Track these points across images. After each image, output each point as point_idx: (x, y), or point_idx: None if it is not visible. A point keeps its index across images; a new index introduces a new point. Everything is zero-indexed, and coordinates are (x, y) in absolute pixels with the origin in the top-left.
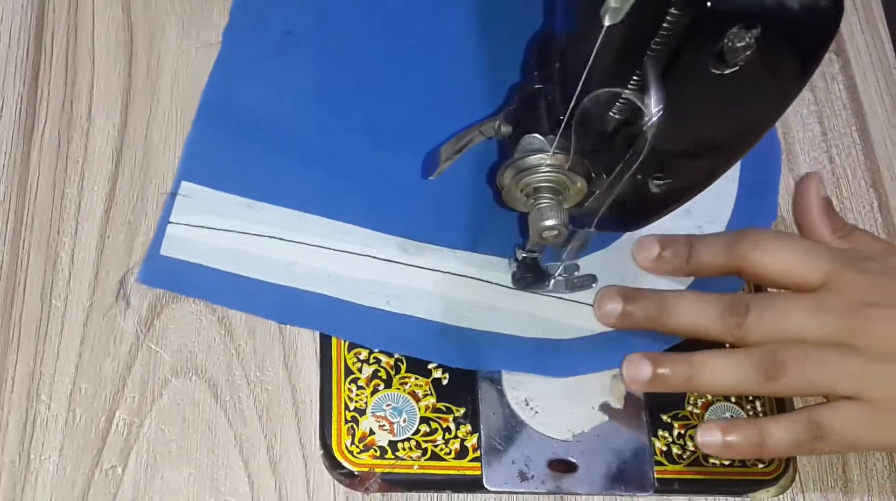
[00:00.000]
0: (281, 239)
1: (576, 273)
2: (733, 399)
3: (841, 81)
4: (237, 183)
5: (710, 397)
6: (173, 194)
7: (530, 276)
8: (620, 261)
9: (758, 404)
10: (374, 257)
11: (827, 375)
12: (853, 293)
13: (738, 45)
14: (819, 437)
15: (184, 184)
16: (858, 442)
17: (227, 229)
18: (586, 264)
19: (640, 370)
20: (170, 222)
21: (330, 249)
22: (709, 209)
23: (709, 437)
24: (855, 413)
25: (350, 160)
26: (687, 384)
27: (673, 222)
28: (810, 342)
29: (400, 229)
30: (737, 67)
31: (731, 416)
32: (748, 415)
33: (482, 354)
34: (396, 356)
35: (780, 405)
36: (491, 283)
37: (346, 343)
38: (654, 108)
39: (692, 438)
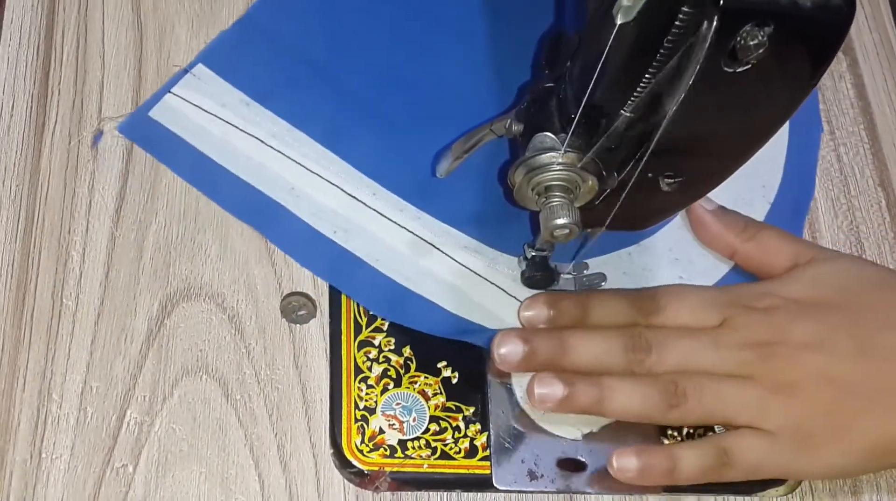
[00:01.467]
0: (263, 142)
1: (585, 272)
2: None
3: (849, 80)
4: (248, 81)
5: None
6: (185, 71)
7: (539, 275)
8: (637, 263)
9: None
10: (340, 189)
11: (725, 405)
12: (746, 331)
13: (751, 43)
14: (726, 463)
15: (199, 66)
16: (761, 469)
17: (219, 117)
18: (600, 265)
19: (552, 389)
20: (170, 92)
21: (302, 166)
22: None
23: (624, 462)
24: (756, 441)
25: (365, 112)
26: (597, 407)
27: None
28: (708, 375)
29: (395, 186)
30: (749, 66)
31: None
32: None
33: (407, 308)
34: (406, 354)
35: None
36: (474, 273)
37: (357, 342)
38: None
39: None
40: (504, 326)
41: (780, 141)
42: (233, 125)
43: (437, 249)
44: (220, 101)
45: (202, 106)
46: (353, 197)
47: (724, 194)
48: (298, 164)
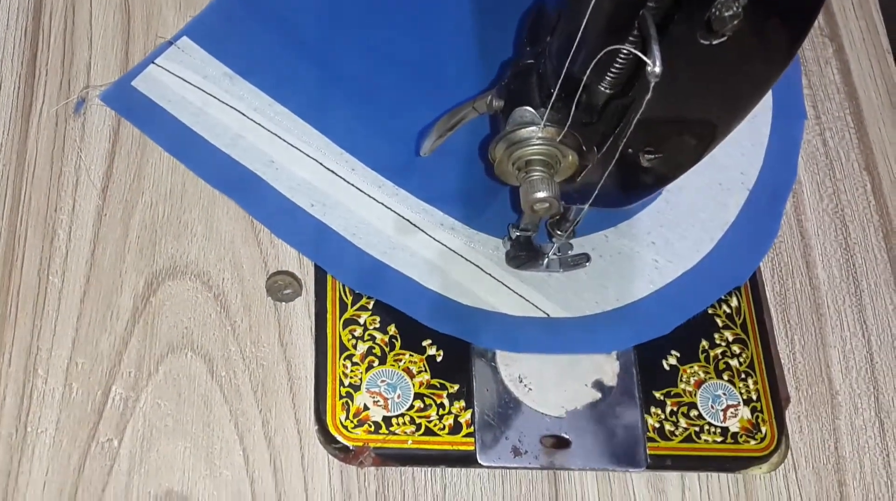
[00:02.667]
0: (244, 114)
1: (570, 252)
2: (725, 377)
3: (835, 66)
4: (232, 55)
5: (702, 375)
6: (170, 43)
7: (524, 254)
8: (613, 245)
9: (749, 382)
10: (319, 163)
11: None
12: None
13: (726, 14)
14: None
15: (184, 38)
16: None
17: (201, 89)
18: (577, 246)
19: None
20: (153, 63)
21: (282, 139)
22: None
23: None
24: None
25: (347, 88)
26: None
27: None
28: None
29: (374, 163)
30: (725, 37)
31: (723, 394)
32: (741, 394)
33: (383, 283)
34: (391, 333)
35: (772, 386)
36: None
37: (342, 320)
38: (657, 57)
39: (684, 415)
40: (480, 303)
41: (761, 129)
42: (214, 97)
43: (415, 226)
44: (202, 73)
45: (185, 77)
46: (332, 171)
47: (702, 180)
48: (278, 137)
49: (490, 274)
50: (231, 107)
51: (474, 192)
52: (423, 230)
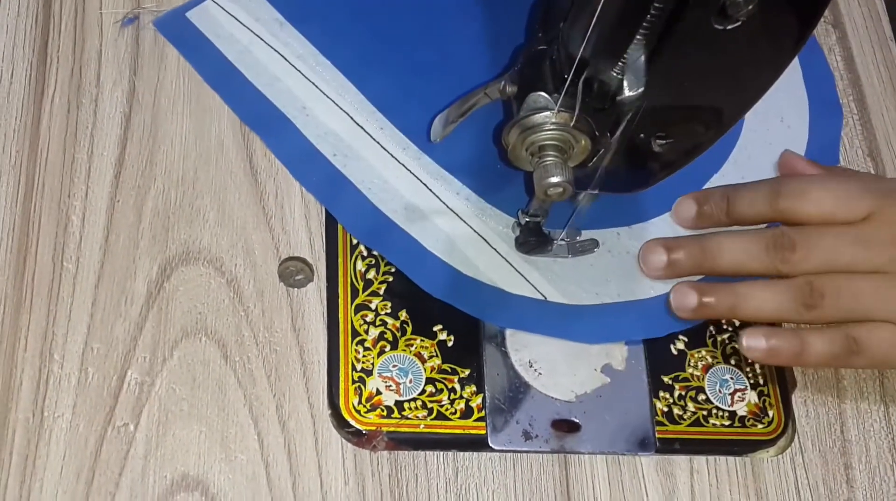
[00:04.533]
0: (286, 59)
1: (578, 238)
2: (732, 362)
3: (838, 53)
4: (286, 2)
5: (710, 359)
6: None
7: (533, 240)
8: (624, 244)
9: (757, 367)
10: (350, 117)
11: (863, 303)
12: (894, 227)
13: None
14: (855, 351)
15: None
16: (889, 361)
17: (250, 29)
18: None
19: (687, 299)
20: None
21: (318, 89)
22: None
23: (753, 341)
24: (890, 335)
25: (392, 50)
26: (730, 313)
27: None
28: (849, 272)
29: (403, 125)
30: (738, 23)
31: (731, 378)
32: (747, 378)
33: (387, 239)
34: (403, 318)
35: (778, 369)
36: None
37: (353, 306)
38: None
39: (692, 399)
40: (480, 275)
41: (798, 140)
42: (261, 39)
43: (430, 190)
44: (255, 15)
45: (237, 16)
46: (361, 127)
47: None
48: (315, 86)
49: (495, 249)
50: (275, 50)
51: (494, 169)
52: (437, 196)
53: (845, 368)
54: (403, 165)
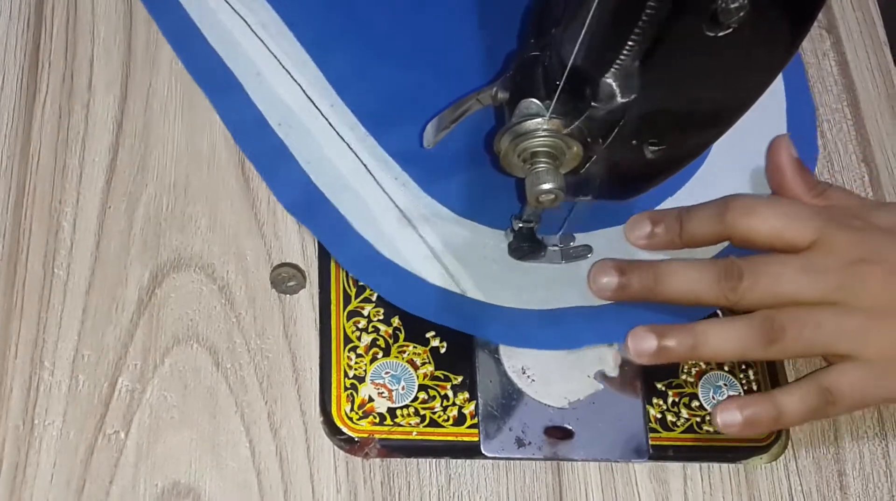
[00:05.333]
0: (249, 27)
1: (571, 244)
2: (726, 368)
3: (832, 58)
4: None
5: (703, 365)
6: None
7: (526, 246)
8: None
9: (750, 372)
10: (302, 89)
11: (824, 335)
12: (843, 251)
13: (732, 6)
14: (831, 402)
15: None
16: (866, 400)
17: (233, 7)
18: (595, 239)
19: (645, 343)
20: None
21: (276, 58)
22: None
23: (728, 417)
24: (858, 373)
25: (357, 34)
26: (691, 354)
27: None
28: (805, 303)
29: (354, 105)
30: (730, 29)
31: (724, 384)
32: (741, 384)
33: (315, 212)
34: (395, 324)
35: (772, 375)
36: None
37: (346, 312)
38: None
39: (686, 406)
40: (398, 258)
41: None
42: (228, 4)
43: (370, 172)
44: None
45: None
46: (311, 100)
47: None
48: (273, 55)
49: (423, 237)
50: (240, 16)
51: (438, 158)
52: (374, 178)
53: (824, 418)
54: (347, 144)
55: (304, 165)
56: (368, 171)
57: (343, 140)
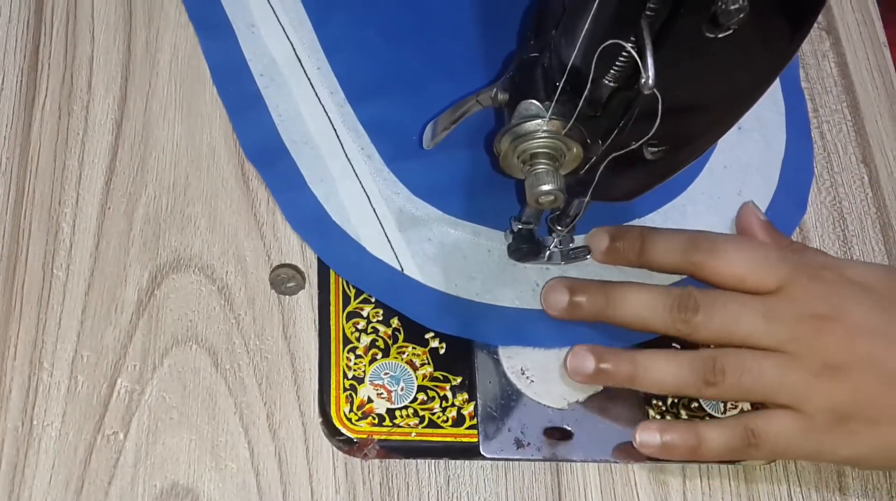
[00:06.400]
0: (287, 35)
1: (570, 245)
2: None
3: (832, 59)
4: None
5: None
6: None
7: (526, 247)
8: None
9: None
10: (293, 48)
11: (764, 385)
12: (804, 303)
13: (732, 7)
14: (753, 444)
15: None
16: (789, 451)
17: None
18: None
19: (584, 363)
20: None
21: (274, 13)
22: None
23: (647, 437)
24: (790, 423)
25: (364, 26)
26: (629, 382)
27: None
28: (753, 348)
29: (340, 71)
30: (730, 31)
31: None
32: None
33: (275, 165)
34: (394, 325)
35: None
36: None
37: (345, 313)
38: (651, 70)
39: (685, 407)
40: (349, 227)
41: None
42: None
43: (338, 138)
44: None
45: None
46: (298, 58)
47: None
48: (272, 9)
49: (374, 208)
50: (278, 23)
51: (409, 139)
52: (341, 144)
53: (743, 460)
54: (323, 107)
55: (276, 117)
56: (337, 136)
57: (320, 102)
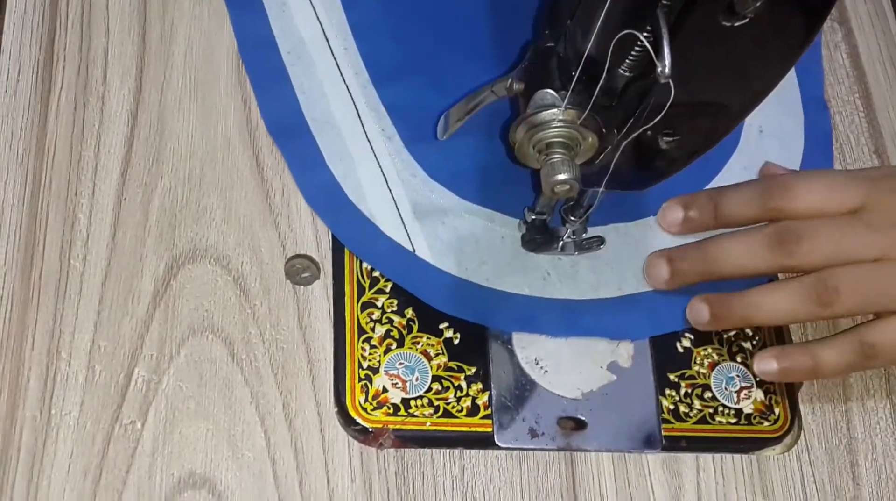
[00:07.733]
0: (316, 14)
1: (584, 235)
2: (739, 359)
3: (844, 50)
4: None
5: (716, 357)
6: None
7: (539, 237)
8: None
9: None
10: (321, 26)
11: (880, 294)
12: (894, 213)
13: None
14: (871, 356)
15: None
16: None
17: None
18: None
19: (701, 314)
20: None
21: (318, 21)
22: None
23: (765, 366)
24: None
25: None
26: (745, 322)
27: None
28: (861, 262)
29: (367, 54)
30: (746, 20)
31: (737, 376)
32: (754, 376)
33: (292, 135)
34: (409, 316)
35: None
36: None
37: (360, 303)
38: (667, 59)
39: (698, 397)
40: (362, 203)
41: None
42: None
43: (359, 118)
44: None
45: None
46: (327, 39)
47: None
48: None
49: (391, 189)
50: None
51: (433, 124)
52: (362, 124)
53: (861, 370)
54: (347, 87)
55: (300, 94)
56: (359, 116)
57: (345, 82)
